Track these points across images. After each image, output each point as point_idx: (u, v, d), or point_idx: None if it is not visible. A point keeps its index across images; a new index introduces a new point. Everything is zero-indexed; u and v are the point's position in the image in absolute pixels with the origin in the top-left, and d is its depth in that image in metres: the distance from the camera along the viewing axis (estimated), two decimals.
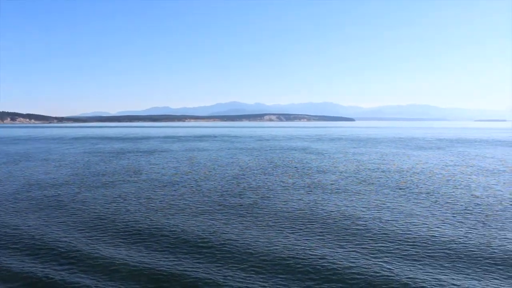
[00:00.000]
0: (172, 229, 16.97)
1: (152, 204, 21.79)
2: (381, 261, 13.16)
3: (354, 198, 22.90)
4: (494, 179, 29.75)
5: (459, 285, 11.37)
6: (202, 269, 12.70)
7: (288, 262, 13.18)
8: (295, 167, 37.31)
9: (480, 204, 21.11)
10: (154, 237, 15.98)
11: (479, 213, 19.32)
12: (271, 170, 35.56)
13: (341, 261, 13.16)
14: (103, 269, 12.85)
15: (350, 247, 14.56)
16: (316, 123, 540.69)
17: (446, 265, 12.85)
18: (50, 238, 15.91)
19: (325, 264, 12.97)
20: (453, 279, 11.78)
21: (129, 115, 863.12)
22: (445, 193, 24.32)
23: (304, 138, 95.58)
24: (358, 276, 12.02)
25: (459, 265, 12.82)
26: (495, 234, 15.89)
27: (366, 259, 13.40)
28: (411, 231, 16.47)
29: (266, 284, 11.62)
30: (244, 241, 15.33)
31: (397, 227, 17.06)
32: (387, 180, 29.20)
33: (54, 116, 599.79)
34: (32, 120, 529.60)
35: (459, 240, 15.24)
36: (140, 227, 17.43)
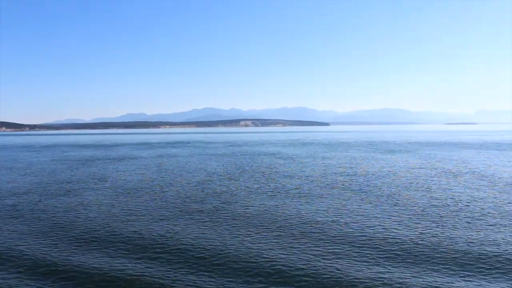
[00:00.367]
0: (130, 235, 17.07)
1: (113, 211, 21.75)
2: (334, 263, 13.61)
3: (315, 202, 23.36)
4: (455, 180, 30.87)
5: (408, 283, 11.98)
6: (154, 273, 12.91)
7: (239, 265, 13.53)
8: (262, 172, 37.75)
9: (436, 206, 21.85)
10: (111, 243, 16.04)
11: (435, 214, 20.06)
12: (238, 175, 35.87)
13: (294, 263, 13.56)
14: (55, 275, 12.88)
15: (304, 250, 14.98)
16: (291, 128, 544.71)
17: (398, 264, 13.42)
18: (2, 247, 15.75)
19: (277, 266, 13.37)
20: (404, 277, 12.37)
21: (104, 122, 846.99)
22: (405, 195, 25.06)
23: (276, 143, 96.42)
24: (309, 278, 12.43)
25: (411, 264, 13.42)
26: (446, 234, 16.61)
27: (319, 260, 13.83)
28: (367, 233, 16.97)
29: (214, 286, 11.94)
30: (200, 245, 15.60)
31: (354, 229, 17.53)
32: (351, 184, 29.81)
33: (26, 123, 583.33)
34: (3, 128, 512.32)
35: (413, 240, 15.86)
36: (97, 234, 17.45)
